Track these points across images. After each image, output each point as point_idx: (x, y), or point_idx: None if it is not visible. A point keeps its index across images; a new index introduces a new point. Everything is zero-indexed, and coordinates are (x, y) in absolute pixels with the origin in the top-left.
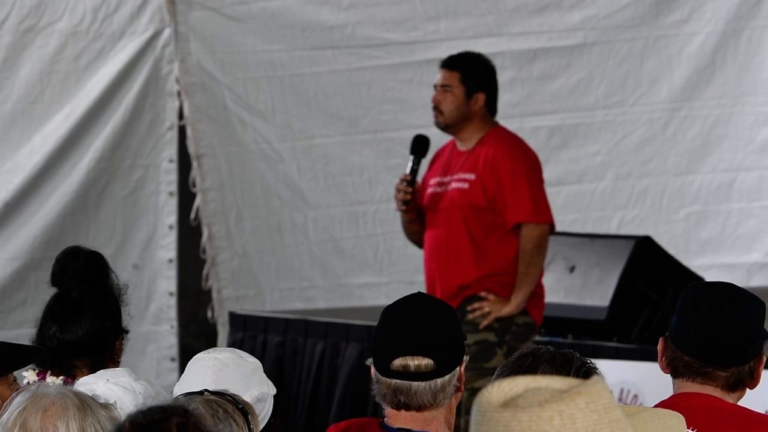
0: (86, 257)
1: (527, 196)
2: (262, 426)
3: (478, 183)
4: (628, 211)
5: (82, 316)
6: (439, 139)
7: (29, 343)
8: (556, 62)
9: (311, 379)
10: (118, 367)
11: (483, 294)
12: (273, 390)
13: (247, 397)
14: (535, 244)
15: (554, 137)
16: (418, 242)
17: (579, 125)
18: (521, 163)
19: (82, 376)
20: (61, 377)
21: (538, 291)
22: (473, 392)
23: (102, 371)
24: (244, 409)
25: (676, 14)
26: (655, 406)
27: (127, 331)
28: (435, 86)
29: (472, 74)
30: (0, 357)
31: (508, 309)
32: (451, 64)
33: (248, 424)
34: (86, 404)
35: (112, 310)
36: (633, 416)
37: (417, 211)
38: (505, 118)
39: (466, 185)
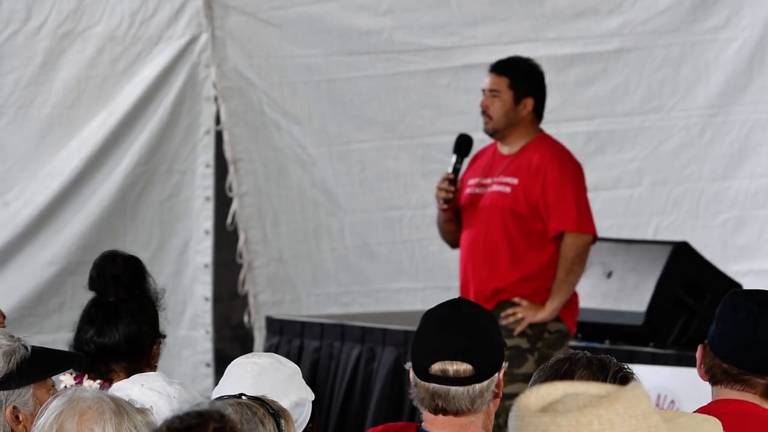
0: (124, 261)
1: (572, 205)
2: (300, 431)
3: (521, 188)
4: (664, 217)
5: (120, 321)
6: (480, 142)
7: (67, 348)
8: (592, 68)
9: (347, 383)
10: (155, 371)
11: (516, 300)
12: (311, 395)
13: (285, 402)
14: (577, 253)
15: (591, 143)
16: (452, 242)
17: (615, 131)
18: (567, 171)
19: (118, 380)
20: (98, 381)
21: (572, 298)
22: (503, 398)
23: (136, 376)
24: (276, 414)
25: (713, 20)
26: (694, 413)
27: (164, 336)
28: (483, 91)
29: (521, 79)
30: (39, 362)
31: (542, 315)
32: (499, 68)
33: (279, 427)
34: (123, 409)
35: (150, 315)
36: (670, 422)
37: (454, 211)
38: (542, 123)
39: (508, 189)
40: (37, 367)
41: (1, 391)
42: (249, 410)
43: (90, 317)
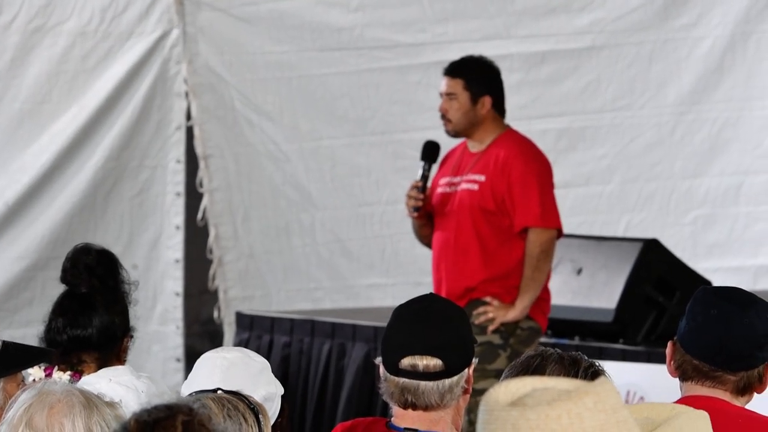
0: (98, 253)
1: (536, 200)
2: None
3: (488, 185)
4: (635, 214)
5: (93, 311)
6: (449, 142)
7: (37, 340)
8: (564, 65)
9: (318, 379)
10: (123, 365)
11: (488, 299)
12: (281, 390)
13: (256, 396)
14: (542, 249)
15: (562, 140)
16: (429, 245)
17: (587, 128)
18: (533, 167)
19: (89, 372)
20: (68, 373)
21: (543, 295)
22: (475, 393)
23: (103, 370)
24: (255, 409)
25: (684, 18)
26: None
27: (134, 330)
28: (440, 94)
29: (475, 78)
30: (10, 356)
31: (512, 314)
32: (453, 71)
33: (259, 423)
34: (92, 402)
35: (122, 307)
36: (670, 421)
37: (427, 216)
38: (512, 120)
39: (475, 186)
40: (7, 361)
41: None
42: (230, 404)
43: (62, 308)
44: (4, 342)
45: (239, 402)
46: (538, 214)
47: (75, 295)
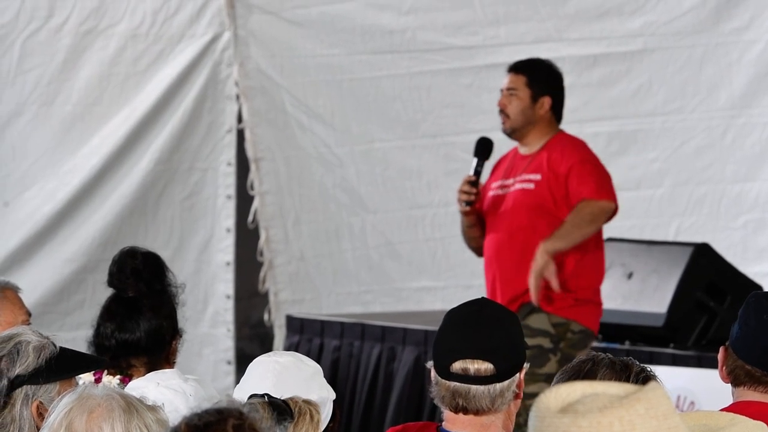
0: (144, 257)
1: (593, 178)
2: (321, 429)
3: (544, 182)
4: (685, 218)
5: (141, 316)
6: (501, 143)
7: (86, 344)
8: (615, 68)
9: (367, 382)
10: (173, 368)
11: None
12: (332, 395)
13: None
14: (592, 213)
15: (613, 143)
16: (476, 249)
17: (638, 131)
18: (588, 157)
19: (139, 375)
20: (118, 377)
21: (596, 299)
22: (524, 397)
23: (152, 374)
24: (310, 412)
25: (736, 21)
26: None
27: (183, 332)
28: (501, 90)
29: (538, 78)
30: (67, 360)
31: (536, 265)
32: (517, 68)
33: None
34: (132, 406)
35: (170, 310)
36: (726, 429)
37: (477, 216)
38: (564, 123)
39: (531, 185)
40: (64, 365)
41: (29, 386)
42: (277, 410)
43: (110, 313)
44: (61, 348)
45: (287, 407)
46: (593, 188)
47: (122, 299)
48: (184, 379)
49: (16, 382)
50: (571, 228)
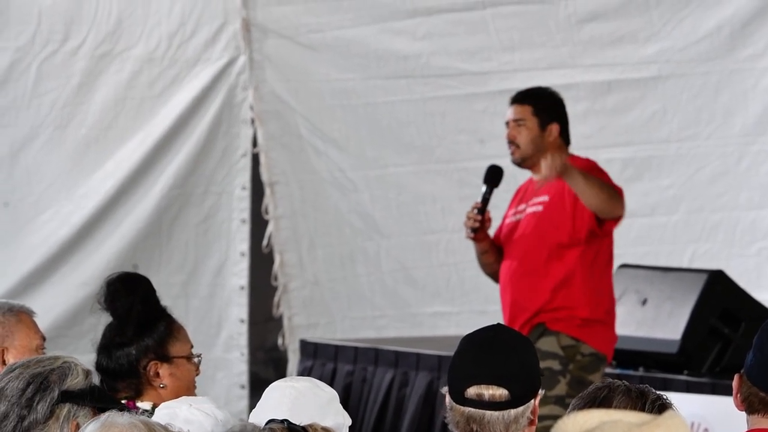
0: (124, 282)
1: (604, 176)
2: None
3: (553, 199)
4: (700, 245)
5: (123, 342)
6: (512, 170)
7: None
8: (630, 94)
9: (377, 407)
10: (160, 394)
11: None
12: (348, 421)
13: None
14: (605, 184)
15: (627, 170)
16: (492, 274)
17: (652, 158)
18: (598, 167)
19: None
20: (151, 402)
21: (606, 321)
22: None
23: (185, 397)
24: None
25: (751, 49)
26: None
27: (167, 358)
28: (507, 123)
29: (544, 106)
30: (103, 394)
31: (550, 164)
32: (521, 98)
33: None
34: None
35: (153, 333)
36: None
37: (492, 244)
38: (578, 149)
39: (540, 207)
40: (103, 395)
41: (72, 404)
42: None
43: (101, 342)
44: (92, 386)
45: None
46: (606, 178)
47: (111, 326)
48: (218, 407)
49: (65, 396)
50: (584, 176)
